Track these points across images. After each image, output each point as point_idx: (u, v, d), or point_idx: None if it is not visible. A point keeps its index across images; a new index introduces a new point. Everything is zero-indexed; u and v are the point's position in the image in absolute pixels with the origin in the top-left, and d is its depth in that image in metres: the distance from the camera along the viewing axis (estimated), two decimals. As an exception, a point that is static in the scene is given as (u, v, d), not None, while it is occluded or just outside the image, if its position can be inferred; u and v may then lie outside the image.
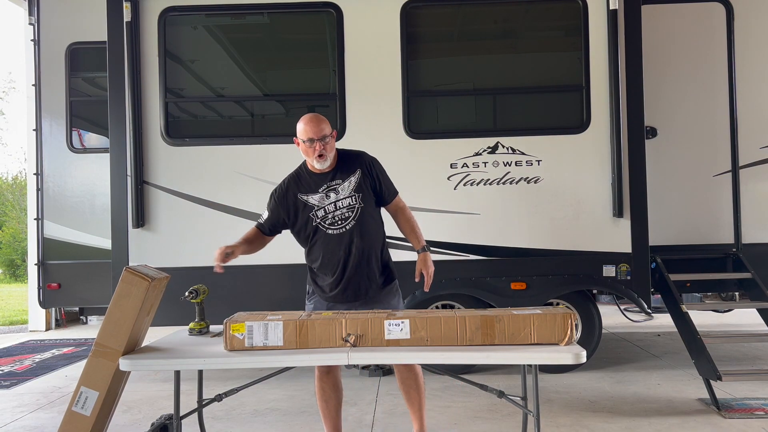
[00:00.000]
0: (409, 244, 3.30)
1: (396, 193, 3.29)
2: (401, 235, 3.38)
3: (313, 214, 3.11)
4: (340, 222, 3.10)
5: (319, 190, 3.12)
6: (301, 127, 3.07)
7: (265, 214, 3.22)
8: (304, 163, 3.22)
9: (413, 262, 3.22)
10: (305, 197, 3.13)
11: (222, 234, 4.73)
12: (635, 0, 4.73)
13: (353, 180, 3.13)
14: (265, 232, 3.24)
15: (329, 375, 3.19)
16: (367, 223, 3.13)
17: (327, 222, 3.10)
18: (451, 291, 4.77)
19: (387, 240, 3.28)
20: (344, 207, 3.10)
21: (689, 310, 4.58)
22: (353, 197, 3.11)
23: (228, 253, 3.05)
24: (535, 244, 4.75)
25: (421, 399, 3.19)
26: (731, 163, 5.19)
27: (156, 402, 4.51)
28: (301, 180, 3.18)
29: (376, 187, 3.19)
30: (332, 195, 3.11)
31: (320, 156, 3.05)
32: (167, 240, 4.77)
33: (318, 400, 3.25)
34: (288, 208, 3.16)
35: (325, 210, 3.11)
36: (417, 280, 3.16)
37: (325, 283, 3.18)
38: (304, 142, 3.06)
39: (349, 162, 3.17)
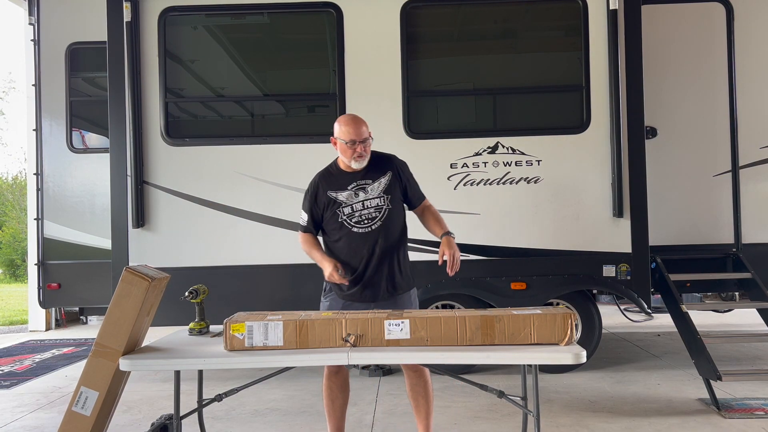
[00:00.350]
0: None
1: (423, 197, 3.33)
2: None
3: (339, 211, 3.13)
4: (366, 221, 3.12)
5: (348, 188, 3.14)
6: (343, 129, 3.09)
7: (306, 216, 3.23)
8: (335, 161, 3.25)
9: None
10: (334, 194, 3.15)
11: (222, 234, 4.76)
12: (635, 0, 4.73)
13: (383, 181, 3.16)
14: (314, 233, 3.26)
15: (338, 375, 3.20)
16: (392, 225, 3.16)
17: (353, 220, 3.12)
18: (451, 291, 4.78)
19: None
20: (372, 207, 3.13)
21: (689, 310, 4.58)
22: (382, 198, 3.14)
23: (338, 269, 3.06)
24: (535, 244, 4.75)
25: (429, 407, 3.19)
26: (731, 163, 5.19)
27: (156, 402, 4.51)
28: (330, 177, 3.21)
29: (406, 191, 3.23)
30: (361, 194, 3.14)
31: (360, 157, 3.09)
32: (167, 240, 4.77)
33: (324, 399, 3.24)
34: (321, 204, 3.18)
35: (352, 208, 3.13)
36: (440, 263, 3.10)
37: (354, 285, 3.15)
38: (345, 143, 3.08)
39: (380, 163, 3.20)
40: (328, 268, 3.05)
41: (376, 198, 3.13)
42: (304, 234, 3.25)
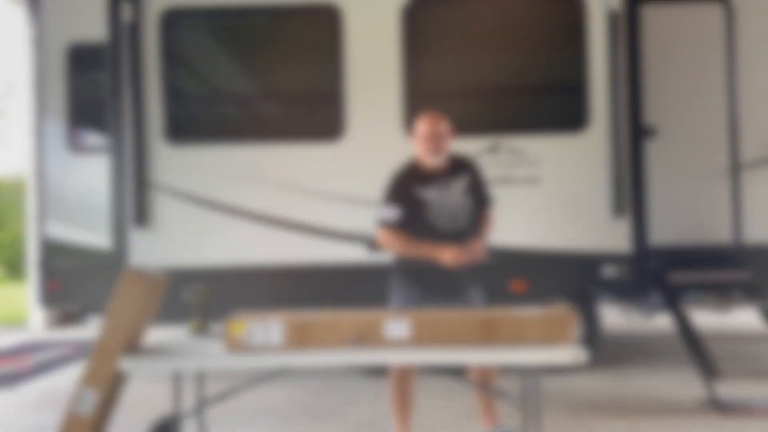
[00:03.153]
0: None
1: (489, 204, 3.40)
2: None
3: (426, 209, 3.19)
4: (450, 221, 3.19)
5: (434, 187, 3.21)
6: (418, 123, 3.22)
7: (394, 212, 3.21)
8: (417, 160, 3.29)
9: None
10: (421, 192, 3.20)
11: (222, 234, 4.77)
12: (635, 0, 4.73)
13: (465, 181, 3.26)
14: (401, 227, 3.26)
15: (409, 376, 3.22)
16: (473, 223, 3.26)
17: (440, 219, 3.19)
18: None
19: None
20: (456, 206, 3.21)
21: (689, 310, 4.58)
22: (466, 197, 3.24)
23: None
24: (535, 244, 4.75)
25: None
26: (732, 162, 5.19)
27: (156, 402, 4.50)
28: (415, 175, 3.25)
29: (479, 193, 3.32)
30: (445, 193, 3.21)
31: (431, 152, 3.17)
32: (167, 240, 4.77)
33: (395, 404, 3.26)
34: (407, 201, 3.21)
35: (439, 206, 3.19)
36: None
37: (432, 277, 3.18)
38: (418, 137, 3.20)
39: (461, 165, 3.33)
40: (453, 252, 3.06)
41: (461, 197, 3.22)
42: (393, 230, 3.21)
